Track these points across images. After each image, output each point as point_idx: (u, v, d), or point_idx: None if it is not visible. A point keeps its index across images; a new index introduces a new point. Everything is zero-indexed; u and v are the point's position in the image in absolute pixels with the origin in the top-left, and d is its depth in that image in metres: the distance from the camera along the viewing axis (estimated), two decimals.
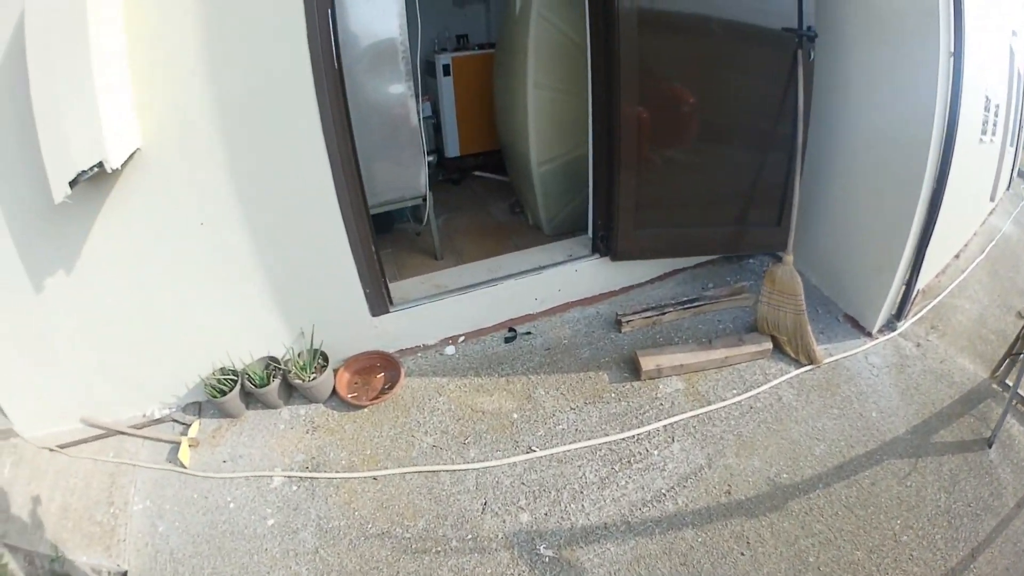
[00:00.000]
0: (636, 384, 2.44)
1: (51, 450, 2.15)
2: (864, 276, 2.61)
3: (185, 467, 2.16)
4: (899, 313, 2.63)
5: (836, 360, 2.51)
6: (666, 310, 2.83)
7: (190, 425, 2.31)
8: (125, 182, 1.96)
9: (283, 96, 2.05)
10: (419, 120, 2.81)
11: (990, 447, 2.07)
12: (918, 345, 2.59)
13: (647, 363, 2.43)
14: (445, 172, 4.30)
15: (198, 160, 2.03)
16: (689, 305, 2.86)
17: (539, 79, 2.89)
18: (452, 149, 4.25)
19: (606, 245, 2.89)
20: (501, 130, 3.60)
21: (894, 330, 2.61)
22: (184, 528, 1.96)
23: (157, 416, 2.39)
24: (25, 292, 1.99)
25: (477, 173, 4.33)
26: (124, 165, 1.83)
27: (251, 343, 2.44)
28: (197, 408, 2.44)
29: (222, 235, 2.17)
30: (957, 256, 3.40)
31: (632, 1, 2.24)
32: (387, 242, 3.59)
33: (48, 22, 1.60)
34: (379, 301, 2.61)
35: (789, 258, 2.48)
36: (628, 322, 2.77)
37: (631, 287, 3.12)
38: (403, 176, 2.97)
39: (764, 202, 2.66)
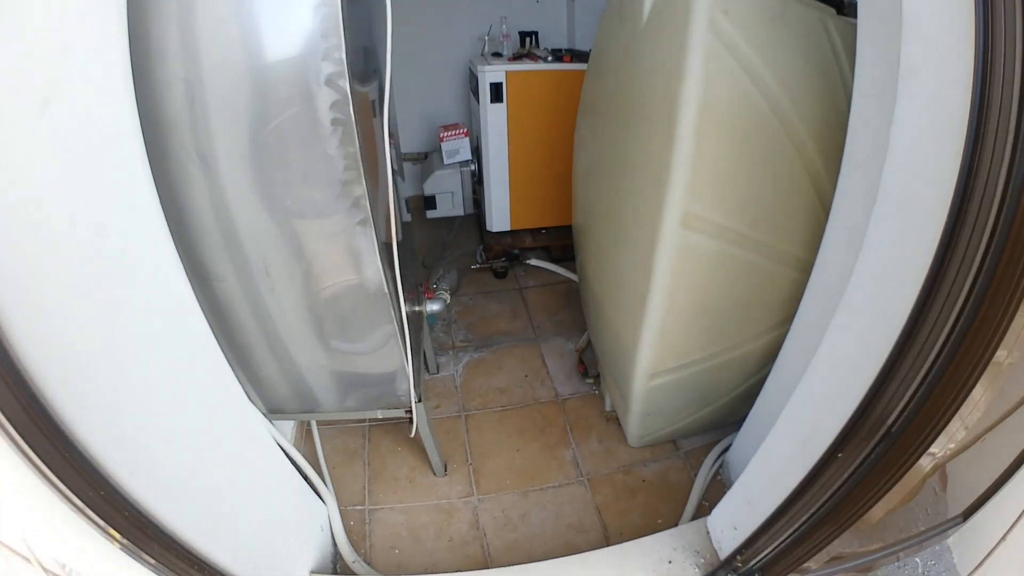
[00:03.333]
0: None
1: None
2: None
3: None
4: None
5: None
6: None
7: None
8: None
9: None
10: (388, 277, 1.19)
11: None
12: None
13: None
14: (485, 254, 2.66)
15: None
16: None
17: (696, 204, 1.14)
18: (499, 220, 2.60)
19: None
20: (580, 219, 1.91)
21: None
22: None
23: None
24: None
25: (533, 262, 2.66)
26: None
27: None
28: None
29: None
30: None
31: None
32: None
33: None
34: None
35: None
36: None
37: None
38: (359, 377, 1.38)
39: None
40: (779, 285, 1.26)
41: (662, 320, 1.26)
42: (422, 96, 3.11)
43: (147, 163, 0.93)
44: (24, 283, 0.67)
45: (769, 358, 1.41)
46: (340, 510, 1.62)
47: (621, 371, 1.54)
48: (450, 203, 2.65)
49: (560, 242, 2.63)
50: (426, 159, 3.08)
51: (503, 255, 2.62)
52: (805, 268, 1.23)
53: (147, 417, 0.88)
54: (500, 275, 2.62)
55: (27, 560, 0.71)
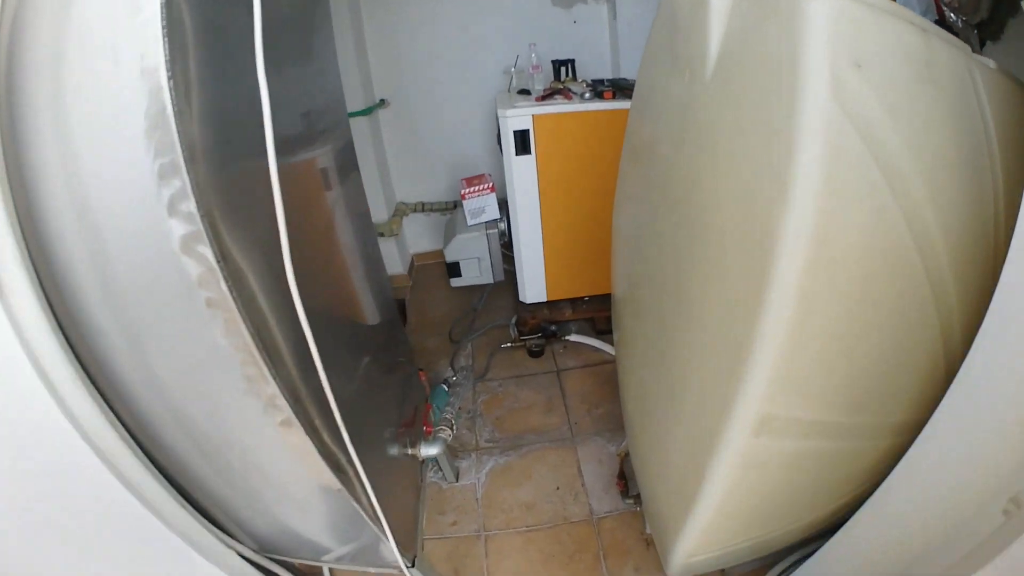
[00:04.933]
0: None
1: None
2: None
3: None
4: None
5: None
6: None
7: None
8: None
9: None
10: (345, 461, 0.86)
11: None
12: None
13: None
14: (519, 329, 2.31)
15: None
16: None
17: (782, 402, 0.68)
18: (533, 290, 2.23)
19: None
20: (620, 292, 1.52)
21: None
22: None
23: None
24: None
25: (573, 338, 2.28)
26: None
27: None
28: None
29: None
30: None
31: None
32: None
33: None
34: None
35: None
36: None
37: None
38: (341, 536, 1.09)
39: None
40: (865, 458, 0.82)
41: (709, 521, 0.84)
42: (449, 137, 2.77)
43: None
44: None
45: (835, 524, 0.98)
46: None
47: (660, 528, 1.13)
48: (477, 270, 2.32)
49: (605, 312, 2.23)
50: (455, 209, 2.78)
51: (539, 330, 2.25)
52: (903, 432, 0.79)
53: None
54: (536, 354, 2.25)
55: None
